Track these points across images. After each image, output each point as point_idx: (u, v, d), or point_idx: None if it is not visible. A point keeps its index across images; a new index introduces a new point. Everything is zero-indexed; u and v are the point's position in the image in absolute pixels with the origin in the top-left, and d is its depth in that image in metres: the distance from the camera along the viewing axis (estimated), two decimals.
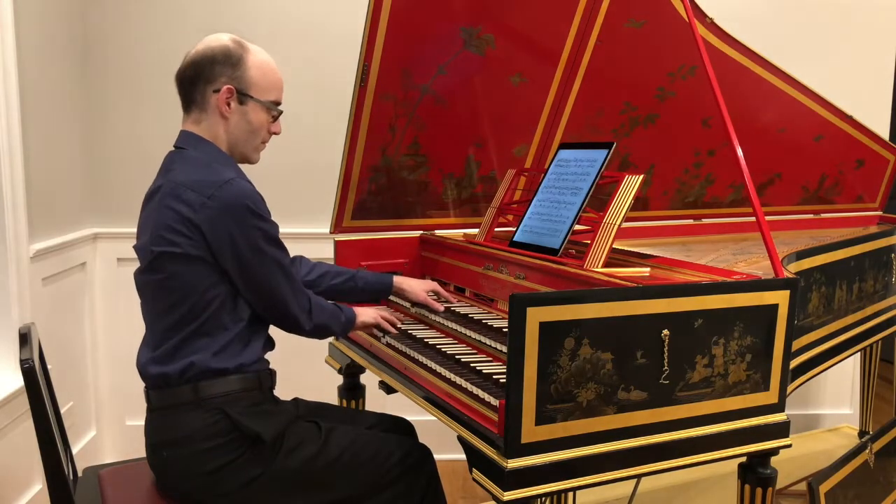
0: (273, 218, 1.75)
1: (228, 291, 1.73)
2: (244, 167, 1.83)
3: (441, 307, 2.19)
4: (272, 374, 1.85)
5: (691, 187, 3.00)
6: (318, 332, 1.91)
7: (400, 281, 2.22)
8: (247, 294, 1.75)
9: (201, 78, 1.76)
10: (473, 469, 1.56)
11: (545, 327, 1.46)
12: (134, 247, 1.80)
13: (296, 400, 2.00)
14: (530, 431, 1.48)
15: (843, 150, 3.11)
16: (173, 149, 1.82)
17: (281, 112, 1.85)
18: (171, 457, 1.72)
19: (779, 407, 1.78)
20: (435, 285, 2.28)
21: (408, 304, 2.27)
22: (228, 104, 1.76)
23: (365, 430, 1.94)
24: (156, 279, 1.72)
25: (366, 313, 2.08)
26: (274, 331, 1.89)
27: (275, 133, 1.86)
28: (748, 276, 1.80)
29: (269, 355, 1.86)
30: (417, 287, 2.23)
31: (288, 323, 1.83)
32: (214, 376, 1.72)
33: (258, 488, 1.71)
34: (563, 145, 2.31)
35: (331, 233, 2.47)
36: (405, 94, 2.36)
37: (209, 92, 1.76)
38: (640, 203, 2.93)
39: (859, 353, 3.39)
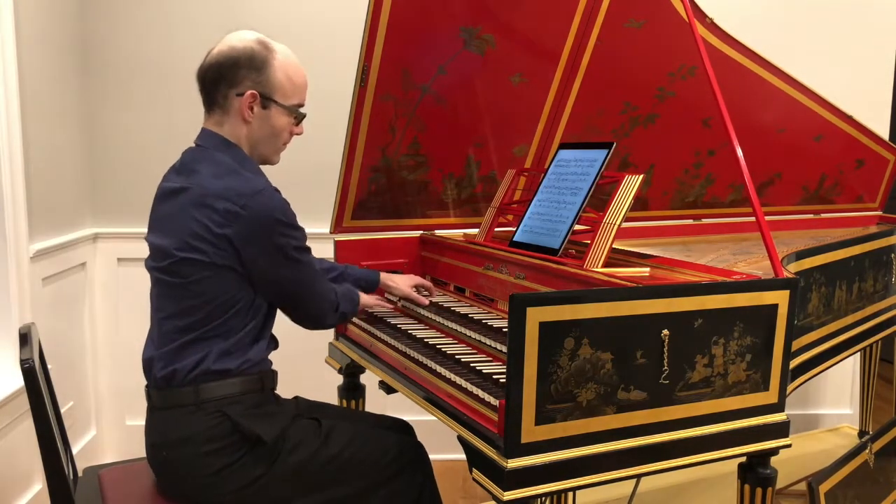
0: None
1: (247, 299, 1.72)
2: None
3: (426, 301, 2.22)
4: (274, 374, 1.85)
5: (691, 187, 3.00)
6: (338, 323, 2.00)
7: (385, 278, 2.26)
8: (274, 299, 1.77)
9: (224, 80, 1.73)
10: (473, 469, 1.56)
11: (545, 327, 1.46)
12: (148, 240, 1.78)
13: (296, 398, 2.00)
14: (530, 431, 1.48)
15: (843, 150, 3.11)
16: (194, 145, 1.80)
17: (304, 116, 1.83)
18: (171, 458, 1.72)
19: (778, 407, 1.78)
20: (420, 280, 2.31)
21: (394, 299, 2.31)
22: (251, 108, 1.74)
23: (365, 427, 1.94)
24: (176, 282, 1.71)
25: (371, 301, 2.20)
26: (276, 330, 1.89)
27: (297, 134, 1.85)
28: (748, 276, 1.80)
29: (270, 355, 1.86)
30: (402, 282, 2.26)
31: (311, 322, 1.89)
32: (217, 378, 1.71)
33: (258, 489, 1.71)
34: (563, 145, 2.31)
35: (331, 233, 2.47)
36: (405, 94, 2.36)
37: (232, 95, 1.73)
38: (640, 203, 2.93)
39: (859, 353, 3.39)
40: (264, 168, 1.87)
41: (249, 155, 1.79)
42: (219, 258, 1.67)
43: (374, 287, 2.24)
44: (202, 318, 1.70)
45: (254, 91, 1.73)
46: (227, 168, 1.71)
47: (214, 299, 1.69)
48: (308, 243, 1.80)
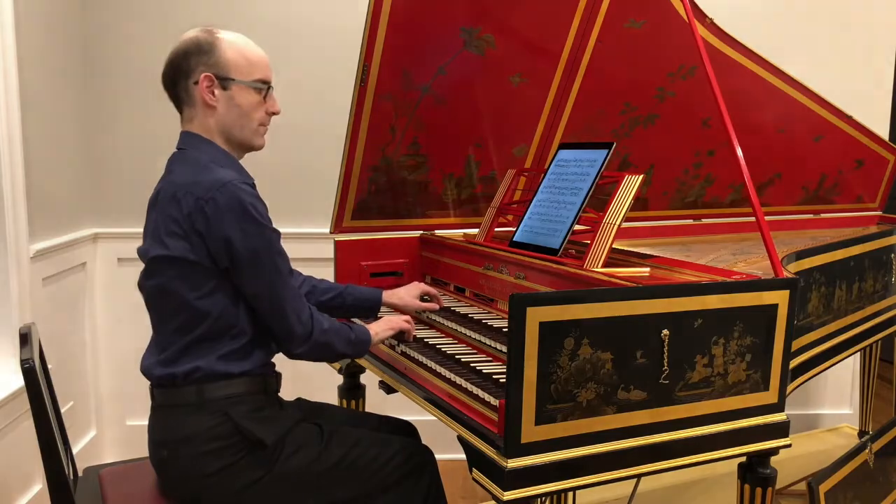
0: (274, 218, 1.73)
1: (228, 300, 1.69)
2: (248, 168, 1.82)
3: (437, 307, 2.21)
4: (278, 377, 1.84)
5: (691, 187, 3.00)
6: (316, 352, 1.79)
7: (389, 296, 2.18)
8: (248, 299, 1.72)
9: (180, 74, 1.73)
10: (473, 469, 1.56)
11: (545, 327, 1.46)
12: (137, 249, 1.79)
13: (299, 400, 2.00)
14: (530, 431, 1.48)
15: (843, 150, 3.11)
16: (176, 150, 1.80)
17: (270, 88, 1.80)
18: (172, 457, 1.72)
19: (778, 407, 1.78)
20: (423, 287, 2.25)
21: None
22: (212, 92, 1.72)
23: (368, 431, 1.93)
24: (156, 283, 1.71)
25: (382, 327, 1.98)
26: None
27: (273, 113, 1.81)
28: (748, 276, 1.80)
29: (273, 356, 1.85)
30: (408, 299, 2.19)
31: (282, 338, 1.75)
32: (219, 379, 1.70)
33: (258, 491, 1.71)
34: (563, 145, 2.31)
35: (331, 233, 2.47)
36: (405, 94, 2.36)
37: (190, 86, 1.73)
38: (640, 203, 2.93)
39: (859, 353, 3.39)
40: (263, 167, 1.85)
41: (228, 144, 1.77)
42: (188, 253, 1.64)
43: (376, 306, 2.16)
44: (187, 322, 1.68)
45: (207, 73, 1.72)
46: (199, 165, 1.70)
47: (190, 299, 1.67)
48: (304, 243, 1.76)
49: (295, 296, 1.74)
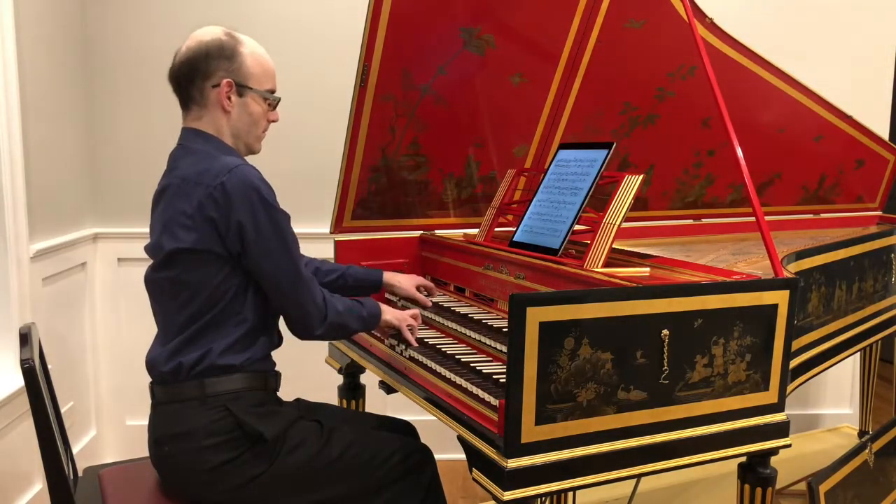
0: None
1: (239, 286, 1.72)
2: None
3: (429, 302, 2.24)
4: (278, 375, 1.85)
5: (691, 187, 3.00)
6: (332, 333, 1.84)
7: (389, 276, 2.24)
8: (261, 284, 1.73)
9: (198, 74, 1.74)
10: (473, 469, 1.56)
11: (545, 327, 1.46)
12: (145, 247, 1.80)
13: (297, 400, 2.00)
14: (530, 431, 1.48)
15: (843, 150, 3.11)
16: (177, 146, 1.81)
17: (279, 100, 1.84)
18: (173, 452, 1.72)
19: (778, 407, 1.78)
20: (422, 280, 2.30)
21: (395, 299, 2.31)
22: (229, 98, 1.75)
23: (368, 429, 1.94)
24: (168, 276, 1.72)
25: (391, 313, 1.99)
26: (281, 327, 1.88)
27: (273, 121, 1.86)
28: (748, 276, 1.80)
29: (273, 353, 1.86)
30: (406, 283, 2.25)
31: (297, 327, 1.79)
32: (221, 373, 1.72)
33: (259, 486, 1.72)
34: (563, 145, 2.31)
35: (331, 233, 2.47)
36: (405, 94, 2.36)
37: (207, 87, 1.75)
38: (640, 203, 2.93)
39: (859, 353, 3.39)
40: (263, 167, 1.86)
41: (234, 146, 1.80)
42: (200, 242, 1.67)
43: (377, 287, 2.22)
44: (198, 310, 1.70)
45: (229, 80, 1.74)
46: (205, 155, 1.72)
47: (204, 288, 1.69)
48: (304, 243, 1.78)
49: (308, 278, 1.77)
